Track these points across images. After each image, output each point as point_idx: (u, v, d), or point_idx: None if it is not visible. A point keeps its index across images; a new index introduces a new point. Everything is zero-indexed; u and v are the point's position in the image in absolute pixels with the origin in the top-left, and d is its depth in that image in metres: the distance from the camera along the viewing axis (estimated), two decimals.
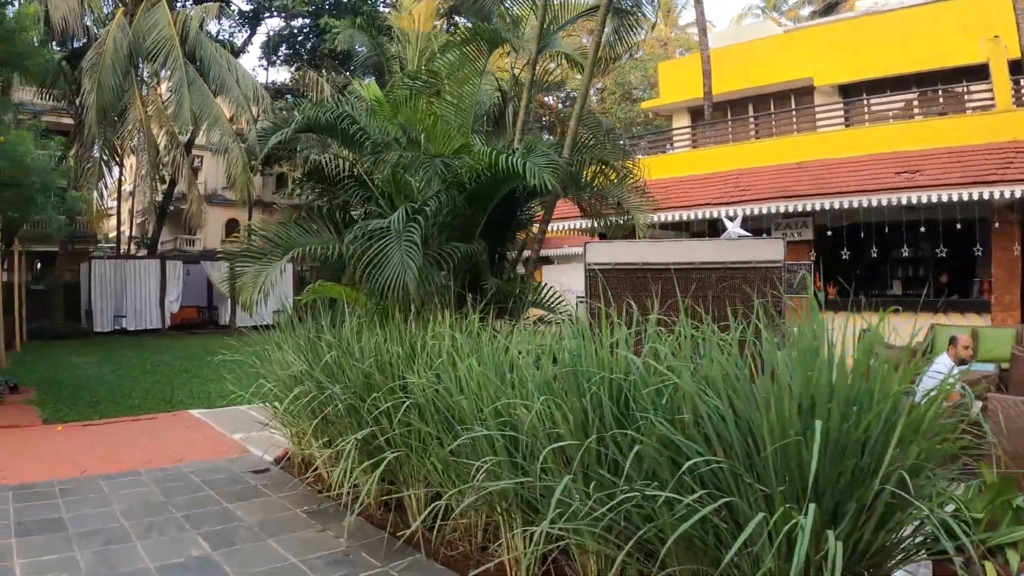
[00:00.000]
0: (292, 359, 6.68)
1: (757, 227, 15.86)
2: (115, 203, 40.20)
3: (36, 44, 10.67)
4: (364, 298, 7.68)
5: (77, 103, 22.71)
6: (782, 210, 15.67)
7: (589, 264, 6.69)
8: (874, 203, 13.92)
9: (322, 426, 6.17)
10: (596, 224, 9.74)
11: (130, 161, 44.84)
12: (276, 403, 7.34)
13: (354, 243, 6.72)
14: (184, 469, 7.36)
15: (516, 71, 9.71)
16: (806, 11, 41.31)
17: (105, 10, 24.96)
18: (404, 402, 4.96)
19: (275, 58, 39.71)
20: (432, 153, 7.31)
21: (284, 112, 35.65)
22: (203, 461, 7.69)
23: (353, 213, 8.44)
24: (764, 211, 15.85)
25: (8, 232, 18.02)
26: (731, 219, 8.70)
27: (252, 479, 7.04)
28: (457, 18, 34.93)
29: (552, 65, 10.14)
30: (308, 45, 38.25)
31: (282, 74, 39.34)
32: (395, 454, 5.08)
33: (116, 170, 35.30)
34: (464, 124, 8.36)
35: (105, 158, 22.88)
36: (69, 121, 24.82)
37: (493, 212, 7.54)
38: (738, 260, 6.20)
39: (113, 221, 45.51)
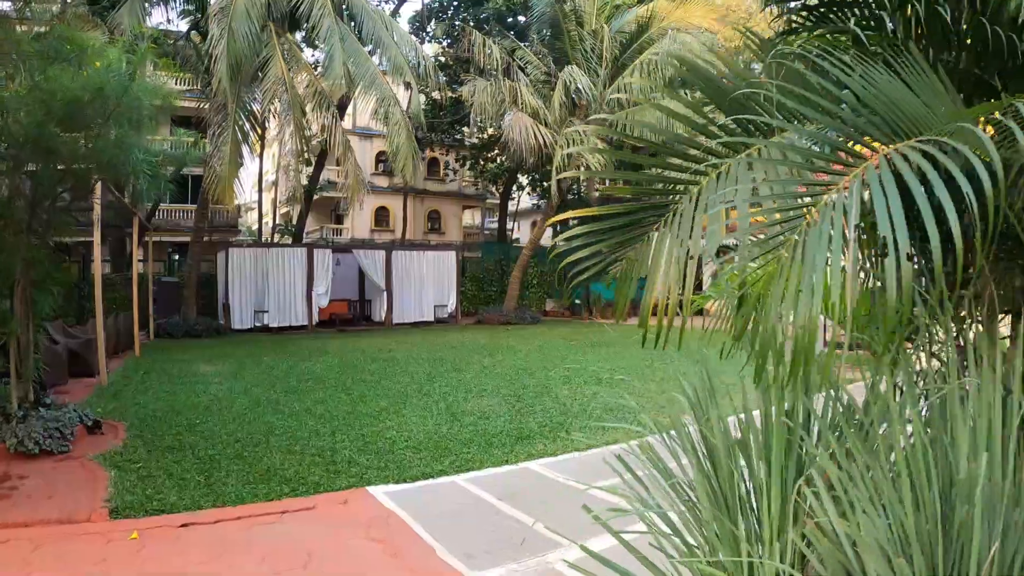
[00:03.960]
0: None
1: None
2: (257, 195, 37.62)
3: None
4: None
5: (204, 51, 18.88)
6: None
7: None
8: None
9: None
10: None
11: (272, 150, 42.28)
12: None
13: None
14: None
15: None
16: None
17: None
18: None
19: (424, 35, 35.57)
20: None
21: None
22: None
23: None
24: None
25: (119, 212, 14.15)
26: None
27: None
28: None
29: None
30: (460, 17, 34.11)
31: (433, 50, 35.07)
32: None
33: (258, 154, 32.31)
34: None
35: (240, 123, 18.89)
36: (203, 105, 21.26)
37: None
38: None
39: (255, 215, 43.18)
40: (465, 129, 35.27)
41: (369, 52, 21.78)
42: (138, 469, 6.24)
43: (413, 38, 24.92)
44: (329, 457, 6.67)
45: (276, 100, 19.27)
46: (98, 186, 10.14)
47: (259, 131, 24.12)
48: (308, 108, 20.01)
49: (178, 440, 7.34)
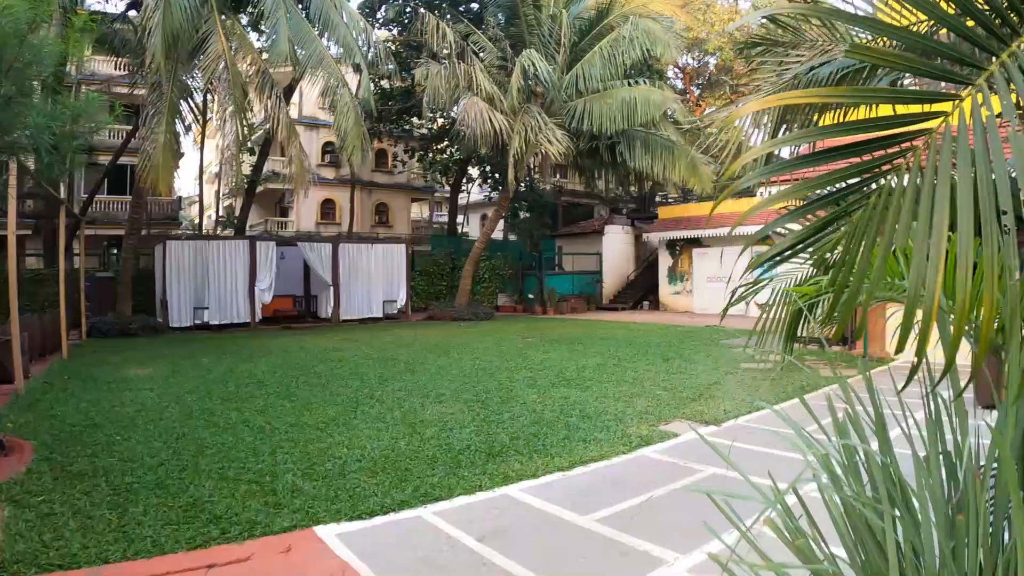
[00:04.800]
0: None
1: None
2: (198, 185, 35.98)
3: None
4: None
5: (138, 25, 17.57)
6: None
7: None
8: None
9: None
10: None
11: (216, 141, 40.54)
12: None
13: None
14: None
15: None
16: None
17: None
18: None
19: (373, 20, 34.20)
20: None
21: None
22: None
23: None
24: None
25: (44, 199, 12.87)
26: None
27: None
28: None
29: None
30: (412, 3, 32.84)
31: (384, 37, 33.63)
32: None
33: (199, 144, 30.82)
34: None
35: (176, 103, 17.56)
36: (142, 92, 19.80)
37: None
38: None
39: (197, 208, 41.54)
40: (415, 120, 34.16)
41: (318, 33, 20.64)
42: (39, 505, 5.19)
43: (363, 22, 23.74)
44: (268, 484, 5.69)
45: (216, 81, 18.03)
46: (12, 166, 9.02)
47: (199, 116, 22.79)
48: (251, 90, 18.77)
49: (92, 463, 6.28)
